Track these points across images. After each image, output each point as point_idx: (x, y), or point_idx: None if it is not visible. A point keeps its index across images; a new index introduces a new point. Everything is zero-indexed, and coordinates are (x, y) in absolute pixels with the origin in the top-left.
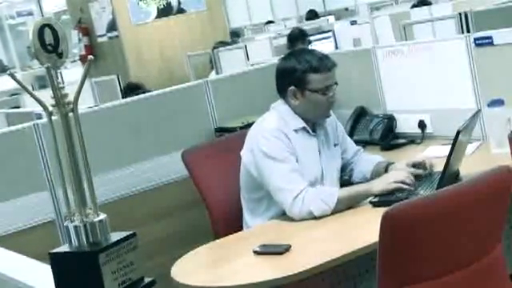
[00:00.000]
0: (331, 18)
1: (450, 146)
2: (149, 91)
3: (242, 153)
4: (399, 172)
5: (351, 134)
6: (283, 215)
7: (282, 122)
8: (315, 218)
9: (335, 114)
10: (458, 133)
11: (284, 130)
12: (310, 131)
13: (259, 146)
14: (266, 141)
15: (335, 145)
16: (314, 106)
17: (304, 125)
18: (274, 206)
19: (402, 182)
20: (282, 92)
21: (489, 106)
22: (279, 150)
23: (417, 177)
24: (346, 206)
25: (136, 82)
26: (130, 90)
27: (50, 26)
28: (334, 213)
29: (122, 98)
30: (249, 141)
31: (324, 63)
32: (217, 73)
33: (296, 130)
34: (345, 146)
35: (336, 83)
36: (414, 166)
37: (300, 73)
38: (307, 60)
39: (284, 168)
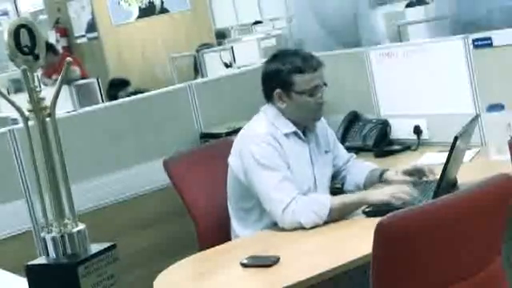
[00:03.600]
0: None
1: (447, 153)
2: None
3: (229, 159)
4: (397, 185)
5: (343, 140)
6: (275, 225)
7: (272, 127)
8: (306, 228)
9: (326, 119)
10: (456, 139)
11: (275, 135)
12: (302, 136)
13: (249, 152)
14: (257, 147)
15: (326, 151)
16: (302, 108)
17: (295, 129)
18: (266, 216)
19: (399, 196)
20: (268, 96)
21: (488, 110)
22: (270, 156)
23: (412, 185)
24: (338, 216)
25: (121, 77)
26: (116, 86)
27: (26, 26)
28: (325, 223)
29: (107, 95)
30: (237, 146)
31: (309, 63)
32: (201, 76)
33: (286, 135)
34: (336, 152)
35: (325, 84)
36: (410, 174)
37: (284, 74)
38: (291, 61)
39: (275, 176)
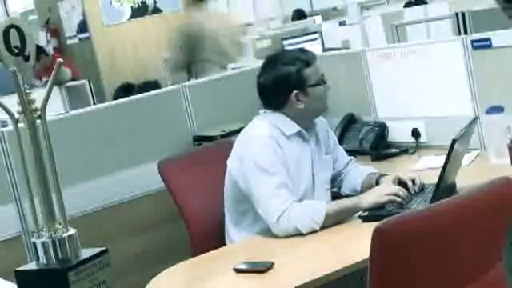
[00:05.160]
0: (318, 18)
1: (445, 156)
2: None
3: (228, 161)
4: (391, 185)
5: (339, 143)
6: (270, 229)
7: (274, 129)
8: (302, 234)
9: None
10: (454, 142)
11: (277, 138)
12: (306, 135)
13: (249, 155)
14: (258, 149)
15: (327, 153)
16: (319, 99)
17: (299, 128)
18: (261, 219)
19: (395, 195)
20: (279, 103)
21: (487, 112)
22: (271, 160)
23: (408, 190)
24: (334, 221)
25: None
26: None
27: (16, 26)
28: (320, 228)
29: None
30: (238, 148)
31: (308, 55)
32: (195, 77)
33: (289, 136)
34: (336, 155)
35: None
36: (401, 184)
37: (296, 74)
38: (294, 58)
39: (272, 182)
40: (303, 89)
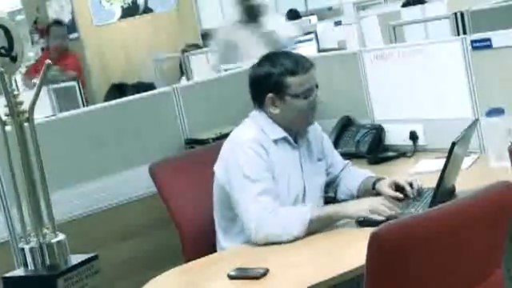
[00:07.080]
0: (313, 18)
1: (444, 160)
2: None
3: (215, 167)
4: (378, 199)
5: (336, 147)
6: None
7: (260, 134)
8: (297, 239)
9: (318, 124)
10: (453, 145)
11: (263, 143)
12: (292, 142)
13: (234, 160)
14: (243, 155)
15: (319, 159)
16: (296, 112)
17: (285, 134)
18: None
19: (376, 211)
20: (258, 101)
21: (487, 115)
22: (255, 166)
23: (406, 195)
24: (317, 228)
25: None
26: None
27: (3, 26)
28: (316, 233)
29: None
30: (224, 154)
31: (301, 64)
32: (187, 79)
33: (276, 141)
34: (331, 160)
35: (317, 86)
36: (398, 189)
37: (276, 77)
38: (282, 63)
39: (254, 189)
40: (280, 94)
